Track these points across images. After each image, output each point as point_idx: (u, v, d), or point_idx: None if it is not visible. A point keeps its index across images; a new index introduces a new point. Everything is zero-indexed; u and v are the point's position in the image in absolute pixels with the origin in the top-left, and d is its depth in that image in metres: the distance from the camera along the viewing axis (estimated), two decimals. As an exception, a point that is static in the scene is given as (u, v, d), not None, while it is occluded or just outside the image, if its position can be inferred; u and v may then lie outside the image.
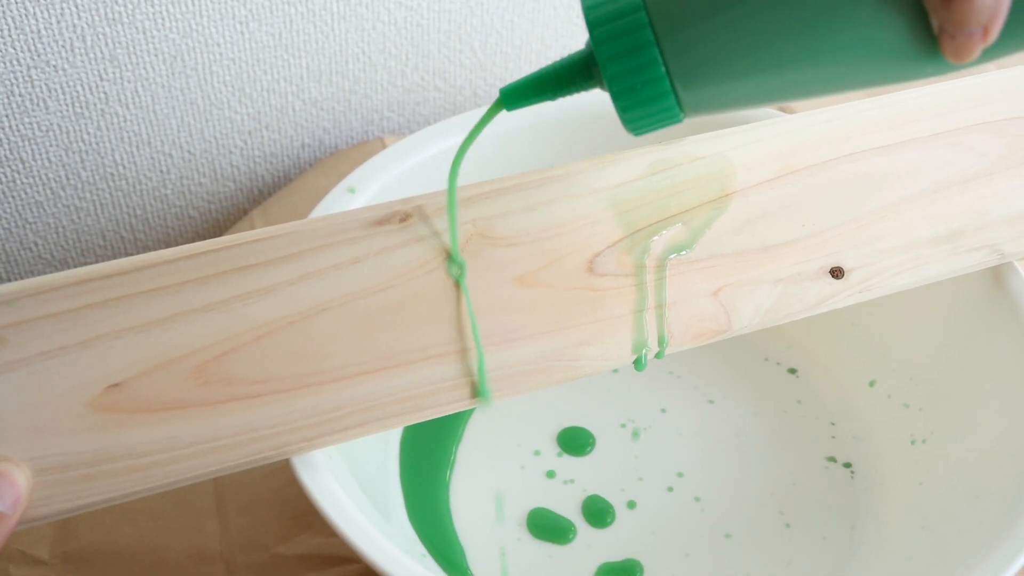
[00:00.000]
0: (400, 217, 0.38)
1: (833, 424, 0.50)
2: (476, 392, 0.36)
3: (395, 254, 0.37)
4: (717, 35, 0.30)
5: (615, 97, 0.31)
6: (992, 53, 0.29)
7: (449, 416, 0.38)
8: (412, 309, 0.37)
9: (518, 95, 0.34)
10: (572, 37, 0.64)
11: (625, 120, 0.32)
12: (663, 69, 0.30)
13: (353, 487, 0.38)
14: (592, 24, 0.31)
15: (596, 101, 0.50)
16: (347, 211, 0.38)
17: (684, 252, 0.40)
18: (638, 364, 0.39)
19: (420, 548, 0.44)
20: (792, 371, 0.52)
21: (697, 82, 0.31)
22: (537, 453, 0.48)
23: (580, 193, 0.39)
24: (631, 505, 0.46)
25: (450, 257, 0.37)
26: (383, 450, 0.47)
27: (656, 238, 0.39)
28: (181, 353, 0.35)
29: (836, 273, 0.41)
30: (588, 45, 0.32)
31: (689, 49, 0.30)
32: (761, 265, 0.40)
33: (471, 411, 0.49)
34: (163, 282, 0.36)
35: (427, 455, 0.47)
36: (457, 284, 0.37)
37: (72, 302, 0.35)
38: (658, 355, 0.39)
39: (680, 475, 0.47)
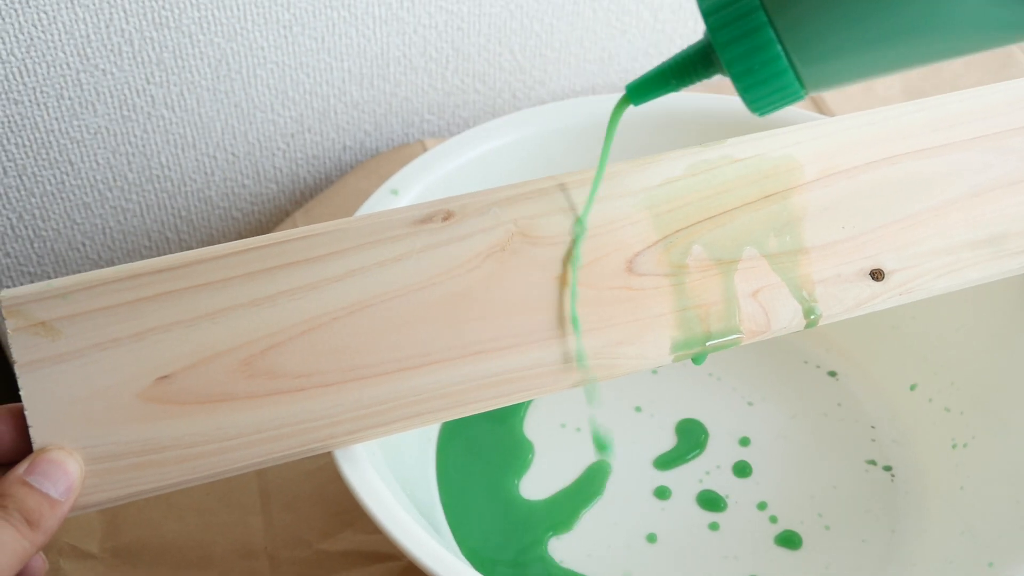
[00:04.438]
0: (443, 216, 0.38)
1: (873, 427, 0.49)
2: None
3: (438, 252, 0.38)
4: (827, 10, 0.31)
5: (735, 79, 0.32)
6: None
7: (495, 411, 0.38)
8: (454, 306, 0.37)
9: (643, 90, 0.36)
10: (611, 39, 0.65)
11: (747, 100, 0.33)
12: (779, 48, 0.31)
13: (394, 483, 0.38)
14: (706, 13, 0.32)
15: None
16: (390, 209, 0.39)
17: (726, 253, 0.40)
18: (698, 359, 0.39)
19: (454, 546, 0.44)
20: (832, 374, 0.52)
21: (814, 57, 0.31)
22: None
23: (620, 194, 0.40)
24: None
25: (578, 220, 0.39)
26: (422, 447, 0.47)
27: (696, 238, 0.40)
28: (228, 346, 0.36)
29: (876, 275, 0.41)
30: (705, 34, 0.34)
31: (802, 25, 0.31)
32: (800, 266, 0.40)
33: (524, 406, 0.50)
34: (212, 277, 0.36)
35: (466, 454, 0.48)
36: (573, 242, 0.39)
37: (124, 296, 0.36)
38: (697, 358, 0.39)
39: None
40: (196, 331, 0.36)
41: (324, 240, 0.37)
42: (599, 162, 0.39)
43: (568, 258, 0.38)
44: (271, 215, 0.64)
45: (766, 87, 0.32)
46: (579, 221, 0.39)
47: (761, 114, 0.33)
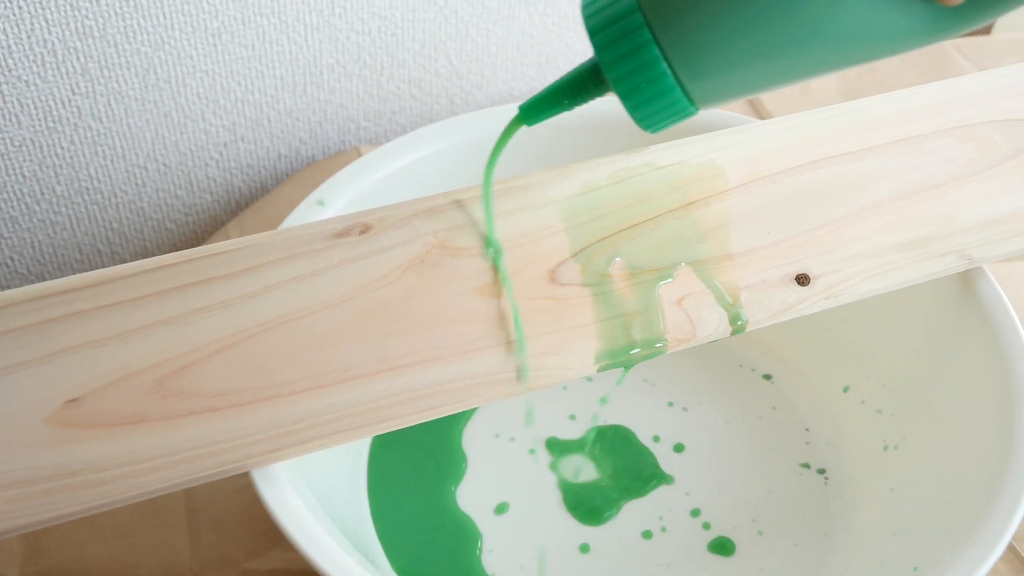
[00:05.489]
0: (360, 229, 0.38)
1: (807, 430, 0.49)
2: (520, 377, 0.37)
3: (356, 266, 0.37)
4: (710, 25, 0.30)
5: (623, 98, 0.32)
6: (979, 8, 0.30)
7: (431, 423, 0.38)
8: (372, 321, 0.37)
9: (536, 110, 0.35)
10: (547, 43, 0.64)
11: (637, 119, 0.33)
12: (664, 65, 0.31)
13: (314, 502, 0.38)
14: (592, 31, 0.31)
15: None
16: (308, 223, 0.38)
17: (649, 264, 0.40)
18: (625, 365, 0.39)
19: (385, 563, 0.43)
20: (767, 377, 0.52)
21: (701, 73, 0.31)
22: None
23: (542, 203, 0.39)
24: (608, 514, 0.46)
25: (487, 241, 0.38)
26: (353, 462, 0.47)
27: (619, 247, 0.39)
28: (140, 367, 0.35)
29: (802, 280, 0.41)
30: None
31: (686, 42, 0.30)
32: (725, 273, 0.40)
33: (464, 418, 0.49)
34: (122, 296, 0.36)
35: (399, 469, 0.47)
36: (495, 266, 0.38)
37: (31, 317, 0.35)
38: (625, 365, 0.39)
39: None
40: (106, 352, 0.35)
41: (238, 256, 0.37)
42: (484, 181, 0.38)
43: (499, 280, 0.38)
44: (206, 225, 0.63)
45: (654, 104, 0.32)
46: (488, 241, 0.38)
47: (653, 131, 0.33)
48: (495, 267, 0.38)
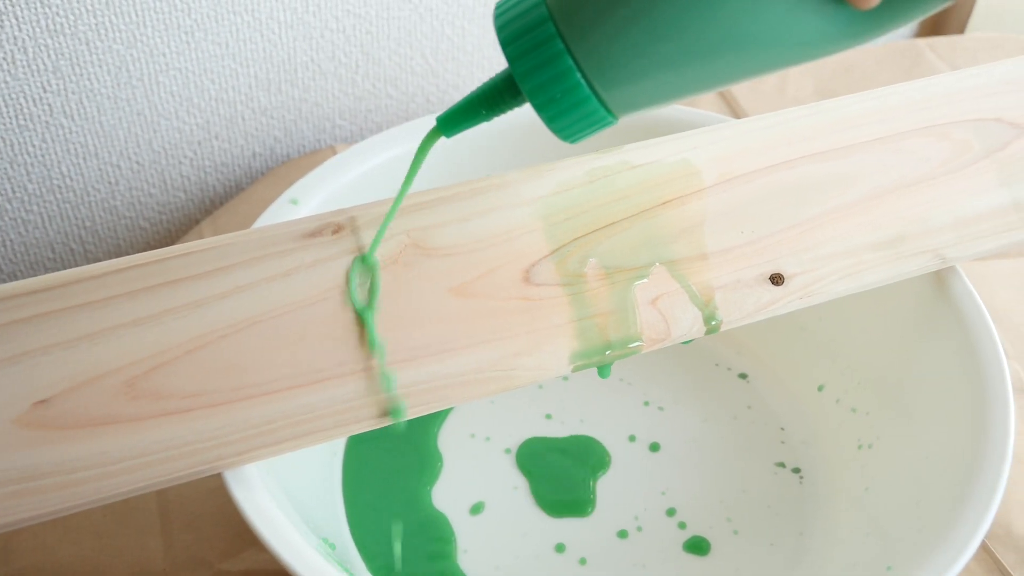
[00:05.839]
0: (333, 229, 0.38)
1: (783, 429, 0.50)
2: (388, 409, 0.36)
3: (327, 266, 0.37)
4: (623, 34, 0.30)
5: (539, 110, 0.31)
6: (896, 10, 0.29)
7: (397, 426, 0.38)
8: (344, 321, 0.37)
9: (454, 121, 0.34)
10: (524, 44, 0.64)
11: (555, 130, 0.32)
12: (578, 76, 0.30)
13: (287, 503, 0.37)
14: (504, 43, 0.31)
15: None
16: (279, 223, 0.38)
17: (625, 263, 0.39)
18: (602, 371, 0.39)
19: (360, 563, 0.43)
20: (743, 376, 0.52)
21: (615, 83, 0.30)
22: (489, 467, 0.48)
23: (516, 203, 0.39)
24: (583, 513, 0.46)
25: (364, 258, 0.37)
26: (328, 462, 0.46)
27: (593, 247, 0.39)
28: (110, 368, 0.35)
29: (776, 280, 0.41)
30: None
31: (600, 52, 0.30)
32: (699, 272, 0.40)
33: (439, 418, 0.49)
34: (91, 297, 0.35)
35: (374, 469, 0.47)
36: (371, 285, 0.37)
37: (-1, 318, 0.35)
38: (601, 371, 0.39)
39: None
40: (75, 353, 0.35)
41: (209, 256, 0.36)
42: (398, 194, 0.37)
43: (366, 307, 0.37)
44: (180, 224, 0.62)
45: (571, 115, 0.31)
46: (366, 259, 0.37)
47: (572, 142, 0.32)
48: (371, 291, 0.37)
